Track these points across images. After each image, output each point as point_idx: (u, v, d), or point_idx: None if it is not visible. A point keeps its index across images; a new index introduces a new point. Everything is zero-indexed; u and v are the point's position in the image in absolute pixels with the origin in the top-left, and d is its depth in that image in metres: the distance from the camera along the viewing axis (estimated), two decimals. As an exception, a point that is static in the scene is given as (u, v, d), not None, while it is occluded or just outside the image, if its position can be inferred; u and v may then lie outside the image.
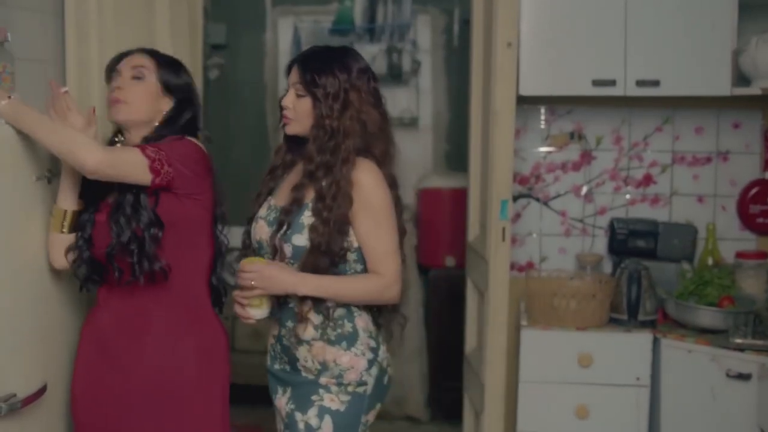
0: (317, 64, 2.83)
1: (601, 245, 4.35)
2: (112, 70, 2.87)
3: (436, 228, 5.81)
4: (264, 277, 2.69)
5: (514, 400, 3.99)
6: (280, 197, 2.84)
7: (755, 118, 4.23)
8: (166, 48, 3.74)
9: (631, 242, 4.19)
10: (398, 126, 6.24)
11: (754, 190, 4.21)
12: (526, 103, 4.14)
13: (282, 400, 2.96)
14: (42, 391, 2.65)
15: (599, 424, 3.84)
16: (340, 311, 2.78)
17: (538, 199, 4.38)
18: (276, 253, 2.76)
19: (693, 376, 3.63)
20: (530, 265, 4.41)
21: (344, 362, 2.79)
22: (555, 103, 4.31)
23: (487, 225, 3.87)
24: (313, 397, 2.82)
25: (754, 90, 3.85)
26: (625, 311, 3.86)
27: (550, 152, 4.36)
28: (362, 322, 2.82)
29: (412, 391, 5.81)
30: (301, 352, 2.80)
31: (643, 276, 3.87)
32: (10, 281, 2.52)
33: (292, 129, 2.82)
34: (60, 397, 2.83)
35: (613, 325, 3.90)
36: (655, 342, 3.78)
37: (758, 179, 4.22)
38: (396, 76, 6.16)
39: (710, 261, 4.10)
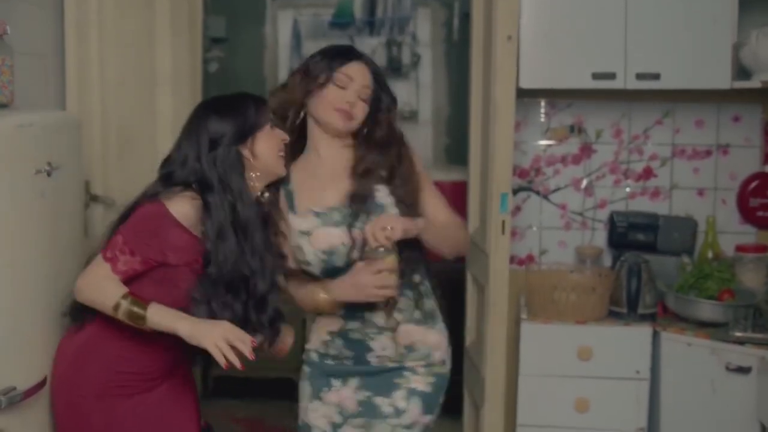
0: (379, 70, 2.97)
1: (600, 238, 4.35)
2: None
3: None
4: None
5: (514, 394, 3.99)
6: (327, 199, 2.82)
7: (755, 112, 4.23)
8: (165, 41, 3.75)
9: (631, 235, 4.18)
10: (398, 119, 6.23)
11: (754, 184, 4.21)
12: (526, 96, 4.14)
13: (343, 392, 2.89)
14: (42, 384, 2.66)
15: (599, 417, 3.84)
16: (425, 287, 2.93)
17: (538, 193, 4.38)
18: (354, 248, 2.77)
19: (693, 370, 3.63)
20: (530, 259, 4.41)
21: (432, 341, 2.90)
22: (555, 97, 4.30)
23: (487, 218, 3.87)
24: (397, 380, 2.86)
25: (754, 83, 3.85)
26: (625, 305, 3.86)
27: (550, 145, 4.36)
28: (435, 298, 2.96)
29: (412, 384, 5.80)
30: (379, 342, 2.83)
31: (643, 269, 3.87)
32: (10, 274, 2.52)
33: (353, 125, 2.85)
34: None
35: (613, 318, 3.89)
36: (655, 335, 3.79)
37: (758, 172, 4.22)
38: (396, 69, 6.17)
39: (710, 254, 4.10)
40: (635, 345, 3.81)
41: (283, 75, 6.31)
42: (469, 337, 4.41)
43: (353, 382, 2.87)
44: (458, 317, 4.62)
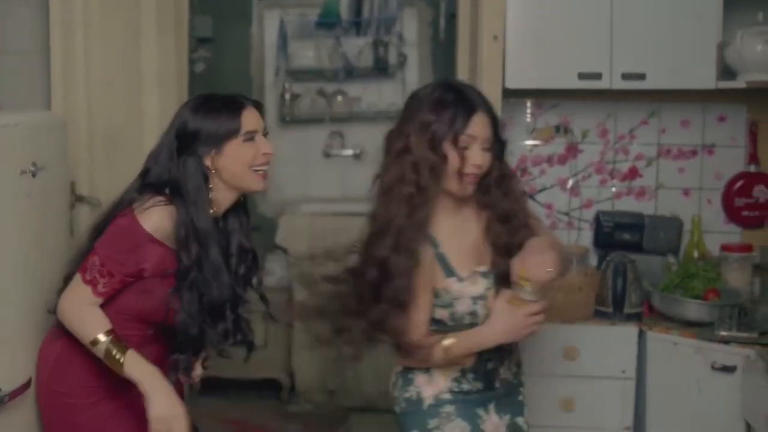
0: (492, 108, 2.74)
1: (586, 238, 4.35)
2: None
3: (422, 221, 5.81)
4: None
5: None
6: (483, 257, 2.73)
7: (740, 112, 4.24)
8: (151, 41, 3.74)
9: (617, 235, 4.19)
10: (384, 119, 6.23)
11: (739, 183, 4.22)
12: (512, 96, 4.14)
13: (493, 418, 2.82)
14: (27, 385, 2.65)
15: (585, 416, 3.84)
16: None
17: (524, 193, 4.38)
18: None
19: (678, 369, 3.64)
20: (516, 258, 4.40)
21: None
22: (541, 97, 4.31)
23: (474, 218, 3.87)
24: (519, 398, 2.91)
25: (739, 83, 3.86)
26: (611, 304, 3.86)
27: (536, 145, 4.36)
28: None
29: (399, 384, 5.80)
30: (507, 367, 2.84)
31: (629, 269, 3.88)
32: (-5, 275, 2.51)
33: (474, 188, 2.69)
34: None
35: (599, 318, 3.90)
36: (641, 335, 3.79)
37: (743, 172, 4.23)
38: (382, 69, 6.17)
39: (696, 254, 4.11)
40: (621, 344, 3.81)
41: (269, 75, 6.31)
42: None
43: (492, 407, 2.81)
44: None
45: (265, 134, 2.78)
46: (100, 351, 2.60)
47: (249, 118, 2.71)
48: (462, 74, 4.25)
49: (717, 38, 3.84)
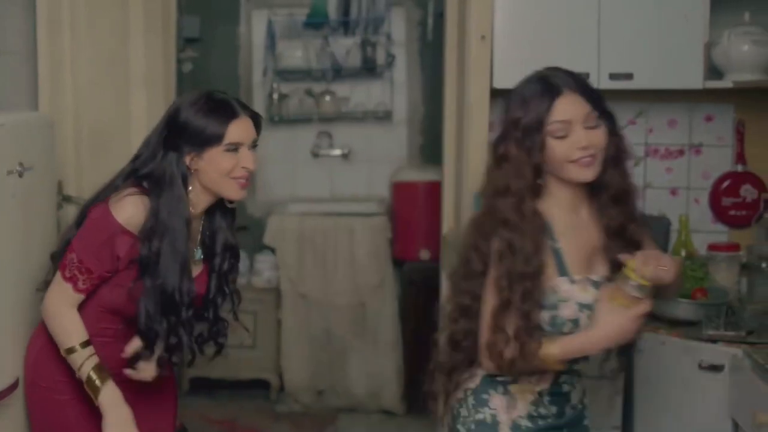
0: (591, 87, 2.53)
1: (574, 238, 4.35)
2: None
3: (410, 221, 5.82)
4: None
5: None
6: (598, 265, 2.54)
7: (727, 111, 4.25)
8: (138, 41, 3.74)
9: (605, 234, 4.20)
10: (372, 119, 6.24)
11: (726, 183, 4.24)
12: (499, 96, 4.14)
13: None
14: (14, 386, 2.65)
15: (573, 415, 3.85)
16: None
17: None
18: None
19: (666, 368, 3.65)
20: (504, 258, 4.40)
21: None
22: (529, 97, 4.30)
23: (461, 218, 3.88)
24: (585, 422, 2.79)
25: (726, 83, 3.87)
26: (599, 303, 3.86)
27: (524, 145, 4.36)
28: None
29: (388, 384, 5.81)
30: (576, 390, 2.69)
31: (617, 268, 3.88)
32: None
33: (596, 171, 2.47)
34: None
35: (587, 317, 3.90)
36: (629, 334, 3.79)
37: (730, 172, 4.24)
38: (370, 69, 6.16)
39: (683, 253, 4.11)
40: (609, 344, 3.81)
41: (257, 75, 6.30)
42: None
43: None
44: (433, 317, 4.63)
45: (254, 146, 2.72)
46: (73, 360, 2.63)
47: (237, 129, 2.64)
48: (450, 74, 4.26)
49: (704, 38, 3.85)
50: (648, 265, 2.36)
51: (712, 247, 4.06)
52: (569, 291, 2.48)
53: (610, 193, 2.52)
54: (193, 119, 2.63)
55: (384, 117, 6.24)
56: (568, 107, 2.41)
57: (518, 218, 2.41)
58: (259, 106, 6.27)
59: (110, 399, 2.63)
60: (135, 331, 2.72)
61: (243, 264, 2.96)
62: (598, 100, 2.47)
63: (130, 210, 2.61)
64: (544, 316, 2.48)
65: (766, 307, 3.66)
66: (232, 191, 2.69)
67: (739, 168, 4.23)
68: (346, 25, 6.17)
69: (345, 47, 6.14)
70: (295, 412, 5.82)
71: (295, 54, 6.17)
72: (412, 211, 5.83)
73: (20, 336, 2.76)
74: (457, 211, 4.10)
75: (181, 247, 2.64)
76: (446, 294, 4.36)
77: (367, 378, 5.85)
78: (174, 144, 2.64)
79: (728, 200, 4.22)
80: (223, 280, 2.85)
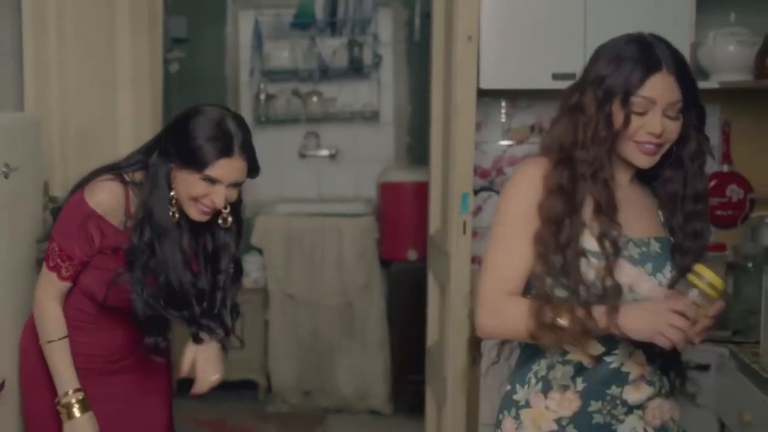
0: (689, 73, 2.31)
1: (561, 238, 4.36)
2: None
3: (398, 222, 5.82)
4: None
5: (476, 393, 4.00)
6: (630, 226, 2.23)
7: (713, 112, 4.26)
8: (125, 41, 3.73)
9: (592, 235, 4.20)
10: (360, 119, 6.25)
11: (712, 183, 4.24)
12: (486, 96, 4.15)
13: None
14: (0, 387, 2.64)
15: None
16: None
17: (498, 193, 4.39)
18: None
19: (652, 368, 3.66)
20: (492, 258, 4.41)
21: (679, 417, 2.38)
22: (515, 97, 4.31)
23: (449, 218, 3.89)
24: None
25: (712, 84, 3.88)
26: (586, 303, 3.86)
27: (510, 146, 4.37)
28: None
29: (375, 384, 5.82)
30: (628, 425, 2.25)
31: (604, 268, 3.88)
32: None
33: (655, 160, 2.27)
34: (16, 393, 2.81)
35: (574, 317, 3.90)
36: (616, 334, 3.80)
37: (717, 172, 4.25)
38: (357, 69, 6.17)
39: (669, 253, 4.13)
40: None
41: (244, 75, 6.30)
42: (431, 337, 4.42)
43: None
44: (420, 317, 4.63)
45: (237, 185, 2.67)
46: (50, 350, 2.66)
47: (222, 167, 2.58)
48: (437, 74, 4.26)
49: (690, 39, 3.86)
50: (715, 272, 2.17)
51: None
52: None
53: (688, 192, 2.36)
54: (194, 136, 2.58)
55: (371, 117, 6.24)
56: (658, 87, 2.19)
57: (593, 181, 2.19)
58: (246, 106, 6.28)
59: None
60: (113, 319, 2.75)
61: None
62: (691, 91, 2.28)
63: (101, 195, 2.63)
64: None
65: (752, 307, 3.66)
66: (192, 212, 2.65)
67: (725, 168, 4.24)
68: (333, 26, 6.18)
69: (332, 48, 6.15)
70: (283, 413, 5.83)
71: (282, 54, 6.17)
72: (399, 211, 5.83)
73: (7, 337, 2.75)
74: (444, 212, 4.10)
75: (173, 245, 2.65)
76: (432, 293, 4.38)
77: (355, 378, 5.85)
78: (168, 146, 2.63)
79: (714, 200, 4.23)
80: (227, 294, 2.85)
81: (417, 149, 6.08)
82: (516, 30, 3.93)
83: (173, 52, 6.14)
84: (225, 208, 2.66)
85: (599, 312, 2.10)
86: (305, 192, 6.37)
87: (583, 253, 2.17)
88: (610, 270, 2.14)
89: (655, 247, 2.26)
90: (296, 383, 5.89)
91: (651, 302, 2.14)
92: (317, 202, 6.31)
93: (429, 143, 4.43)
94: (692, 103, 2.30)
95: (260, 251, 5.97)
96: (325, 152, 6.35)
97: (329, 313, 5.87)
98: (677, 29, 3.84)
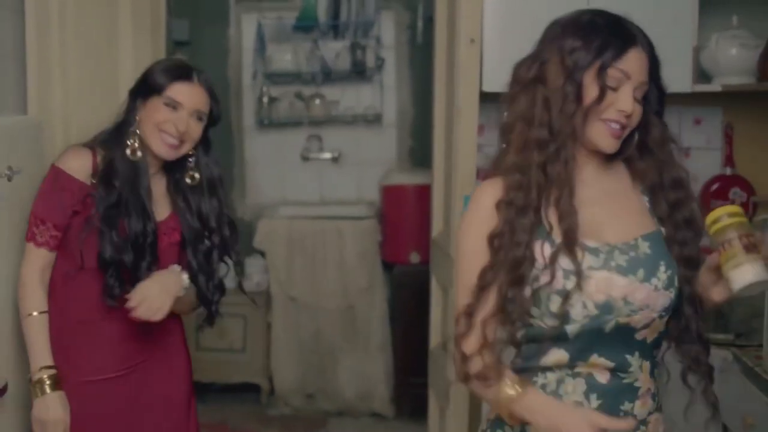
0: (655, 53, 2.18)
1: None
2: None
3: (400, 224, 5.83)
4: None
5: (478, 395, 3.99)
6: (594, 232, 2.06)
7: (716, 115, 4.26)
8: (128, 44, 3.73)
9: (594, 238, 4.20)
10: (362, 122, 6.25)
11: (715, 186, 4.24)
12: (489, 99, 4.14)
13: None
14: (3, 390, 2.64)
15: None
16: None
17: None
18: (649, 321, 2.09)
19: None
20: (494, 261, 4.40)
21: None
22: (518, 100, 4.31)
23: (451, 221, 3.88)
24: None
25: (714, 87, 3.89)
26: (589, 306, 3.86)
27: (513, 148, 4.36)
28: None
29: (377, 387, 5.82)
30: None
31: (606, 271, 3.87)
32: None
33: (618, 145, 2.09)
34: (20, 396, 2.81)
35: (577, 320, 3.89)
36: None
37: (719, 175, 4.25)
38: (360, 72, 6.17)
39: (672, 256, 4.12)
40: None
41: (247, 78, 6.30)
42: (434, 339, 4.42)
43: None
44: (423, 319, 4.63)
45: (201, 120, 2.81)
46: (28, 324, 2.70)
47: (182, 89, 2.74)
48: (439, 77, 4.26)
49: (692, 42, 3.86)
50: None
51: (702, 250, 4.06)
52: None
53: (666, 182, 2.19)
54: (153, 70, 2.79)
55: (374, 120, 6.25)
56: (635, 62, 2.06)
57: (550, 164, 2.03)
58: (248, 109, 6.29)
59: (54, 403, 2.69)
60: (115, 317, 2.76)
61: (232, 267, 2.98)
62: (656, 71, 2.18)
63: (67, 157, 2.74)
64: (526, 294, 2.02)
65: (755, 310, 3.66)
66: (157, 146, 2.74)
67: (728, 171, 4.24)
68: (335, 29, 6.18)
69: (335, 50, 6.15)
70: (286, 416, 5.83)
71: (285, 57, 6.18)
72: (401, 214, 5.83)
73: (9, 341, 2.75)
74: (447, 214, 4.09)
75: (138, 189, 2.74)
76: (434, 296, 4.37)
77: (357, 381, 5.85)
78: (134, 96, 2.81)
79: (717, 203, 4.22)
80: (224, 252, 2.93)
81: (419, 152, 6.08)
82: (519, 33, 3.90)
83: (176, 55, 6.14)
84: (192, 157, 2.85)
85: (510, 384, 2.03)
86: (308, 195, 6.37)
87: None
88: (570, 254, 1.99)
89: (644, 247, 2.10)
90: (298, 386, 5.89)
91: (567, 408, 2.03)
92: (320, 204, 6.32)
93: (431, 146, 4.42)
94: (657, 85, 2.18)
95: (263, 254, 5.97)
96: (327, 155, 6.35)
97: (331, 316, 5.87)
98: (680, 32, 3.84)
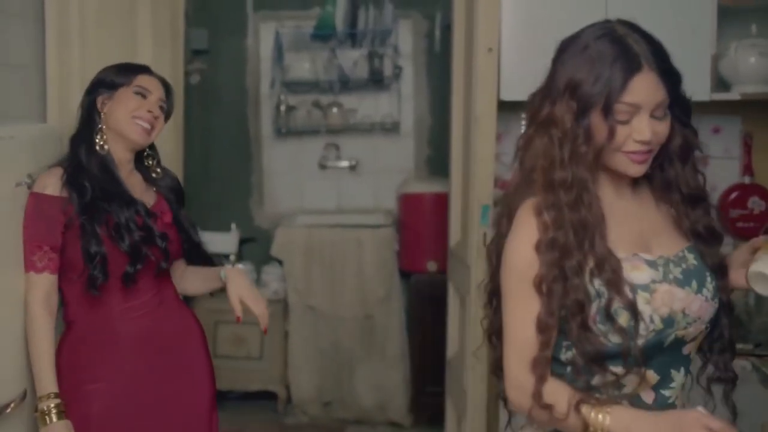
0: (671, 64, 2.10)
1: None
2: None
3: (418, 233, 5.82)
4: None
5: (496, 405, 3.99)
6: (645, 245, 2.04)
7: (735, 123, 4.26)
8: (147, 53, 3.75)
9: (612, 247, 4.19)
10: (380, 131, 6.25)
11: (733, 195, 4.23)
12: (507, 108, 4.15)
13: None
14: (22, 397, 2.64)
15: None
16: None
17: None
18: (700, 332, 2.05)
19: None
20: (512, 270, 4.39)
21: None
22: (536, 109, 4.30)
23: (469, 230, 3.88)
24: None
25: (733, 95, 3.88)
26: (606, 315, 3.85)
27: (531, 157, 4.36)
28: None
29: (395, 396, 5.81)
30: None
31: (624, 280, 3.86)
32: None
33: (647, 167, 2.03)
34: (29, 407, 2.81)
35: (595, 329, 3.88)
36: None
37: (738, 184, 4.24)
38: (378, 81, 6.18)
39: (690, 265, 4.11)
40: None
41: (265, 87, 6.32)
42: (452, 349, 4.42)
43: None
44: (440, 328, 4.63)
45: (162, 108, 2.91)
46: (37, 354, 2.68)
47: (146, 80, 2.90)
48: (457, 86, 4.27)
49: (711, 50, 3.85)
50: None
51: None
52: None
53: (685, 193, 2.12)
54: (108, 71, 2.92)
55: (391, 129, 6.25)
56: (642, 89, 1.96)
57: (576, 207, 1.96)
58: (266, 118, 6.30)
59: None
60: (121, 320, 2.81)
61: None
62: (674, 82, 2.08)
63: (40, 180, 2.72)
64: (591, 312, 1.95)
65: (774, 320, 3.65)
66: (134, 133, 2.83)
67: (747, 180, 4.23)
68: (353, 37, 6.18)
69: (352, 59, 6.16)
70: (303, 424, 5.83)
71: (303, 66, 6.19)
72: (419, 222, 5.83)
73: (25, 349, 2.75)
74: (465, 223, 4.10)
75: (111, 178, 2.80)
76: (452, 305, 4.37)
77: (375, 390, 5.84)
78: (89, 97, 2.88)
79: (736, 212, 4.22)
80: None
81: (437, 161, 6.08)
82: (536, 41, 3.92)
83: (194, 64, 6.17)
84: (154, 160, 3.02)
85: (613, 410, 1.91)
86: (325, 203, 6.38)
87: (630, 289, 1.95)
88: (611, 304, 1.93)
89: (691, 258, 2.06)
90: (316, 394, 5.89)
91: (673, 415, 1.94)
92: (337, 213, 6.32)
93: (449, 155, 4.43)
94: (677, 96, 2.09)
95: (280, 262, 5.98)
96: (345, 163, 6.35)
97: (349, 325, 5.87)
98: (698, 41, 3.84)
